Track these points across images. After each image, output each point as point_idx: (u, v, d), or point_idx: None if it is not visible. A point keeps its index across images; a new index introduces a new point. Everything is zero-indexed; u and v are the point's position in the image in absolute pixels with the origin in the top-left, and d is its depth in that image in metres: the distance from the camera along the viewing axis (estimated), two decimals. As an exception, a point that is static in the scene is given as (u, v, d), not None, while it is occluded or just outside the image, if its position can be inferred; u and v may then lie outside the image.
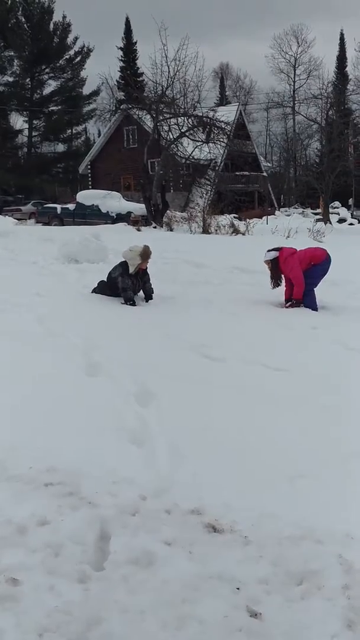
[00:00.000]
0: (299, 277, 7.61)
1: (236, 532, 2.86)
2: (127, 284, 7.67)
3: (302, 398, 4.56)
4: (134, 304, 7.58)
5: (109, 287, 7.91)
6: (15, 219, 28.65)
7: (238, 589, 2.45)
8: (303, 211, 40.76)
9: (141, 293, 7.93)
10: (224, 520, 2.95)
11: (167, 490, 3.22)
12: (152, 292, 7.94)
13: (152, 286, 7.97)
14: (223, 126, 25.50)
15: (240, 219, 24.19)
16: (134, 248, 7.89)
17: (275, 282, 7.90)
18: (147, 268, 7.94)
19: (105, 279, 7.99)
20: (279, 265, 7.77)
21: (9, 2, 48.97)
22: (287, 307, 7.69)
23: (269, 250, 7.99)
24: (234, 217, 24.40)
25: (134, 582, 2.47)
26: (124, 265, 7.78)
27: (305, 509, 3.05)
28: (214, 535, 2.83)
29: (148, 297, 7.89)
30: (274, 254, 7.85)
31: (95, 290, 8.05)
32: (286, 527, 2.87)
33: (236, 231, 20.34)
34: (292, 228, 18.28)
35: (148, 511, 2.99)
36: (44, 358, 5.19)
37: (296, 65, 58.90)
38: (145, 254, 7.81)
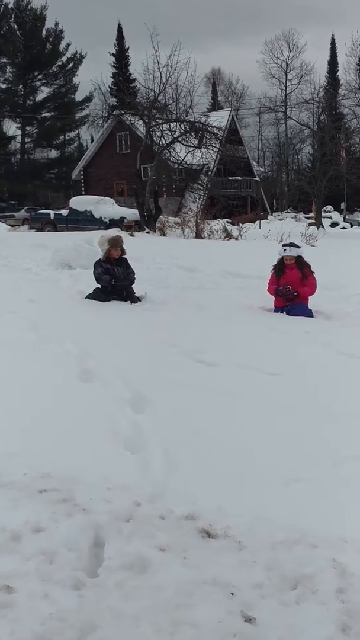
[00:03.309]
0: (315, 288, 7.69)
1: (230, 537, 2.86)
2: (99, 272, 7.99)
3: (296, 402, 4.56)
4: (110, 283, 7.94)
5: (103, 293, 7.95)
6: (8, 225, 28.70)
7: (232, 594, 2.45)
8: (296, 215, 40.90)
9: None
10: (218, 525, 2.95)
11: (162, 496, 3.22)
12: (133, 282, 8.16)
13: (135, 278, 8.19)
14: (215, 131, 25.61)
15: (233, 224, 24.24)
16: (104, 235, 8.22)
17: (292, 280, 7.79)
18: (127, 260, 8.06)
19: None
20: (302, 268, 7.77)
21: (1, 9, 49.07)
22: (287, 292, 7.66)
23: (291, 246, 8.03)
24: (227, 221, 24.44)
25: (128, 588, 2.47)
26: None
27: (299, 513, 3.05)
28: (208, 541, 2.83)
29: (131, 297, 7.96)
30: (301, 251, 7.90)
31: (89, 296, 8.07)
32: (280, 532, 2.87)
33: (229, 236, 20.38)
34: (284, 232, 18.35)
35: (142, 517, 2.98)
36: (37, 365, 5.18)
37: (288, 70, 59.22)
38: (113, 239, 8.08)
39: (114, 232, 8.27)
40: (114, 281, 7.96)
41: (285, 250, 7.93)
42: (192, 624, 2.29)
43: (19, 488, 3.20)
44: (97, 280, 7.97)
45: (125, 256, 8.23)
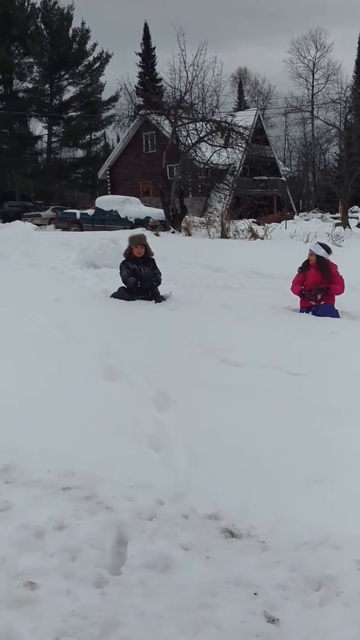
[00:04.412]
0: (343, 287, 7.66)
1: (253, 537, 2.84)
2: (125, 274, 8.02)
3: (320, 403, 4.52)
4: (136, 285, 7.95)
5: (128, 292, 7.98)
6: (34, 224, 28.91)
7: (255, 594, 2.44)
8: (322, 215, 40.54)
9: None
10: (242, 525, 2.94)
11: (185, 495, 3.22)
12: (159, 283, 8.15)
13: (162, 279, 8.20)
14: (241, 131, 25.51)
15: (258, 224, 24.15)
16: (129, 233, 8.33)
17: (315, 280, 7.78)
18: (153, 259, 8.09)
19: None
20: (330, 270, 7.73)
21: (29, 9, 49.46)
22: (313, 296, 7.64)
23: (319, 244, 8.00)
24: (253, 221, 24.35)
25: (151, 586, 2.47)
26: None
27: (323, 514, 3.02)
28: (231, 540, 2.83)
29: (156, 297, 7.98)
30: (326, 253, 7.85)
31: (114, 295, 8.10)
32: (304, 533, 2.86)
33: (254, 236, 20.29)
34: (311, 232, 18.21)
35: (165, 516, 2.99)
36: (61, 362, 5.22)
37: (314, 70, 58.79)
38: (133, 236, 8.17)
39: (138, 230, 8.30)
40: (140, 283, 7.97)
41: (313, 245, 8.02)
42: (215, 624, 2.29)
43: (42, 485, 3.23)
44: (124, 282, 7.99)
45: (152, 257, 8.21)
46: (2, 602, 2.34)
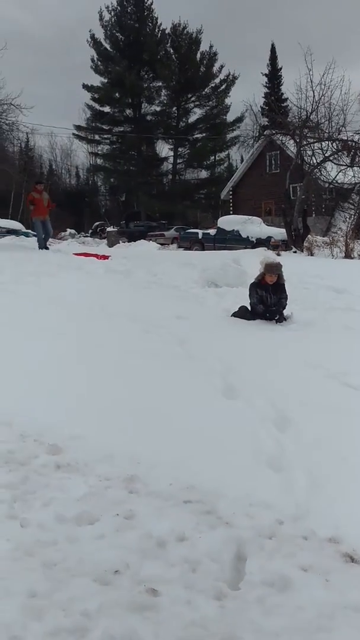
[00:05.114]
0: None
1: (375, 565, 2.80)
2: (254, 302, 7.99)
3: None
4: (264, 314, 7.90)
5: (249, 311, 8.03)
6: (158, 243, 29.68)
7: (376, 622, 2.40)
8: None
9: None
10: (363, 551, 2.90)
11: (304, 517, 3.22)
12: (285, 307, 8.01)
13: (287, 304, 8.08)
14: (369, 149, 24.96)
15: (385, 244, 23.43)
16: (264, 258, 8.16)
17: None
18: (283, 285, 8.01)
19: (245, 305, 8.15)
20: None
21: (159, 35, 51.21)
22: None
23: None
24: (379, 242, 23.67)
25: (269, 604, 2.50)
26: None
27: None
28: (351, 566, 2.80)
29: (279, 314, 7.93)
30: None
31: (235, 314, 8.18)
32: None
33: (380, 257, 19.73)
34: None
35: (284, 536, 3.00)
36: (182, 379, 5.35)
37: None
38: (269, 265, 7.98)
39: (274, 256, 8.21)
40: (266, 312, 7.96)
41: None
42: (332, 647, 2.28)
43: (164, 497, 3.34)
44: (252, 307, 7.99)
45: (282, 282, 8.15)
46: (125, 605, 2.45)
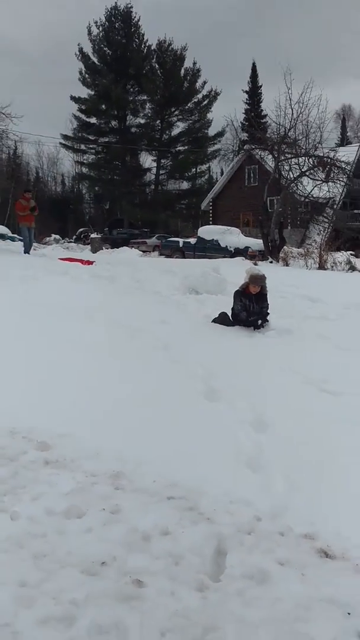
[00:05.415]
0: None
1: (348, 560, 2.86)
2: (238, 308, 8.01)
3: None
4: (246, 320, 7.95)
5: (229, 318, 8.09)
6: (140, 250, 29.68)
7: (349, 613, 2.45)
8: None
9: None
10: (336, 547, 2.96)
11: (281, 514, 3.27)
12: (266, 317, 8.06)
13: (269, 313, 8.10)
14: (343, 166, 25.24)
15: (357, 256, 23.66)
16: (252, 269, 8.21)
17: None
18: (265, 295, 8.07)
19: (225, 311, 8.20)
20: None
21: (145, 50, 51.36)
22: None
23: None
24: (351, 254, 23.89)
25: (248, 596, 2.54)
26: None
27: None
28: (325, 561, 2.85)
29: (263, 321, 8.00)
30: None
31: (215, 320, 8.22)
32: None
33: (352, 268, 19.93)
34: None
35: (263, 532, 3.05)
36: (166, 382, 5.38)
37: None
38: (253, 277, 8.02)
39: (259, 269, 8.26)
40: (249, 318, 8.02)
41: None
42: (308, 637, 2.32)
43: (149, 494, 3.37)
44: (236, 313, 8.03)
45: (265, 292, 8.19)
46: (112, 595, 2.48)
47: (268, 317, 8.21)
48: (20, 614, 2.33)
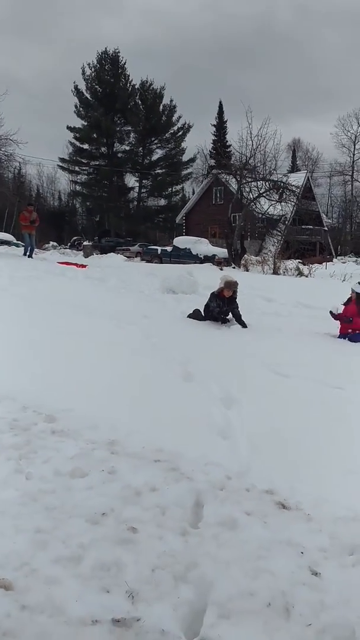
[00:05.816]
0: None
1: (301, 510, 2.94)
2: (211, 306, 8.03)
3: (354, 409, 4.56)
4: (219, 316, 7.96)
5: (201, 313, 8.14)
6: (125, 256, 29.54)
7: (302, 553, 2.54)
8: (357, 260, 39.73)
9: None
10: (291, 500, 3.04)
11: (247, 474, 3.34)
12: (240, 317, 8.05)
13: (240, 312, 8.12)
14: (293, 189, 25.49)
15: (304, 264, 23.91)
16: (224, 276, 8.20)
17: (346, 314, 7.71)
18: (235, 298, 8.11)
19: (198, 308, 8.24)
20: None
21: (130, 88, 51.04)
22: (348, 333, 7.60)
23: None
24: (299, 262, 24.13)
25: (221, 539, 2.61)
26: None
27: (355, 497, 3.09)
28: (283, 511, 2.93)
29: (239, 320, 8.04)
30: None
31: (190, 316, 8.27)
32: (340, 510, 2.94)
33: (300, 274, 20.15)
34: (347, 273, 18.02)
35: (232, 488, 3.11)
36: (150, 365, 5.41)
37: (356, 142, 57.74)
38: (228, 283, 8.04)
39: (232, 277, 8.28)
40: (221, 315, 8.06)
41: (355, 285, 8.00)
42: (270, 572, 2.40)
43: (139, 457, 3.41)
44: (210, 310, 8.02)
45: (235, 297, 8.17)
46: (112, 540, 2.53)
47: (230, 315, 8.25)
48: (36, 555, 2.36)
